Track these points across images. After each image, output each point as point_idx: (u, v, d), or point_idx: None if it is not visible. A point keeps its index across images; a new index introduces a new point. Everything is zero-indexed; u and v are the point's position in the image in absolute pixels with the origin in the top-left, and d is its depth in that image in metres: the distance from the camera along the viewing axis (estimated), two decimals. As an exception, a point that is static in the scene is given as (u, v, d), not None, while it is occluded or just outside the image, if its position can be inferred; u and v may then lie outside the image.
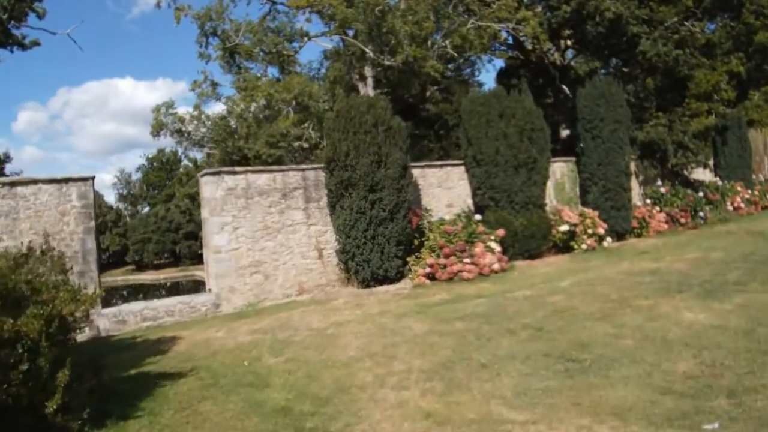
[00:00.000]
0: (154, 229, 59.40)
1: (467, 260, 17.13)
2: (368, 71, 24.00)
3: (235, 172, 16.65)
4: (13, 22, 22.07)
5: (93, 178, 15.46)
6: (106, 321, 15.22)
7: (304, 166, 17.87)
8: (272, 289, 16.91)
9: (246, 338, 12.27)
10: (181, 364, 10.75)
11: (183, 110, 29.89)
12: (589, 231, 21.02)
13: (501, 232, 18.63)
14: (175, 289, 59.78)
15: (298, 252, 17.35)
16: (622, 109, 23.33)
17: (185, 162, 56.12)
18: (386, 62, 21.70)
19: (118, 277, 62.51)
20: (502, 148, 19.48)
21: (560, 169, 23.75)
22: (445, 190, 20.51)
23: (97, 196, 65.76)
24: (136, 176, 64.83)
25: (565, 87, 30.52)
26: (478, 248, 17.54)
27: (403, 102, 28.41)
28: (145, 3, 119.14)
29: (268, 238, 16.89)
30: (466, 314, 12.37)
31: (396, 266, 16.92)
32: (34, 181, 14.89)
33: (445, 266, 17.01)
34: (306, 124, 25.04)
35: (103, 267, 67.30)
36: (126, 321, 15.39)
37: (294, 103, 25.35)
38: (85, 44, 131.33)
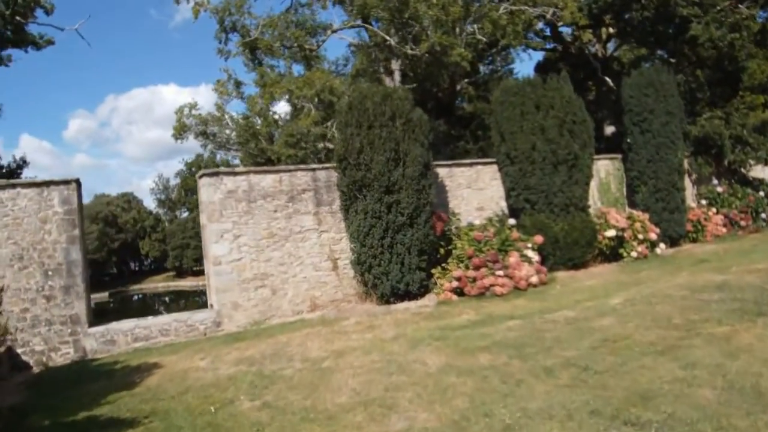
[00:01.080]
0: (192, 235, 57.96)
1: (500, 272, 14.55)
2: (394, 64, 21.60)
3: (235, 173, 14.42)
4: (18, 18, 20.37)
5: (77, 181, 13.43)
6: (93, 341, 13.17)
7: (313, 166, 15.54)
8: (281, 306, 14.63)
9: (228, 370, 9.98)
10: (140, 406, 8.60)
11: (206, 111, 27.86)
12: (639, 236, 18.17)
13: (539, 238, 15.99)
14: (214, 293, 58.06)
15: (310, 263, 15.02)
16: (674, 99, 20.34)
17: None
18: (410, 51, 19.19)
19: (159, 284, 61.59)
20: (539, 144, 16.81)
21: (605, 168, 20.90)
22: (475, 192, 17.93)
23: (137, 202, 65.14)
24: (175, 181, 63.60)
25: (608, 79, 27.61)
26: (513, 258, 14.93)
27: (434, 97, 25.86)
28: (186, 10, 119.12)
29: (274, 247, 14.62)
30: (494, 342, 9.83)
31: (418, 279, 14.44)
32: (12, 185, 12.95)
33: (474, 279, 14.46)
34: (330, 123, 22.73)
35: (145, 274, 66.64)
36: (115, 341, 13.33)
37: (316, 100, 23.11)
38: (130, 51, 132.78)
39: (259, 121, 26.40)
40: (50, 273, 12.94)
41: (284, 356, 10.51)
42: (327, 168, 15.41)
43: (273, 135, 25.79)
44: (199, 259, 62.15)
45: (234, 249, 14.20)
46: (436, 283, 14.98)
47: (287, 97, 23.01)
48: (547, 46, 31.55)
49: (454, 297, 14.57)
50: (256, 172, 14.62)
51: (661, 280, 14.04)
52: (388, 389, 7.89)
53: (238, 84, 27.39)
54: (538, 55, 32.26)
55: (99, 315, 47.31)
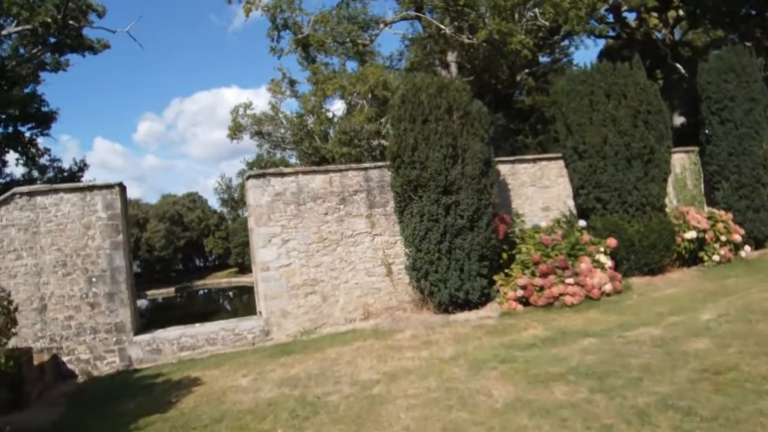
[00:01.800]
0: (254, 232, 57.83)
1: (570, 280, 13.02)
2: (450, 56, 20.21)
3: (282, 174, 13.37)
4: (72, 22, 19.98)
5: (120, 185, 12.62)
6: (139, 350, 12.37)
7: (365, 165, 14.32)
8: (332, 313, 13.53)
9: (270, 393, 8.88)
10: (169, 438, 7.54)
11: (260, 111, 27.11)
12: (722, 238, 16.24)
13: (612, 241, 14.36)
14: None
15: (362, 268, 13.85)
16: (757, 84, 18.18)
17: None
18: (467, 40, 17.74)
19: (222, 280, 61.94)
20: (610, 136, 15.13)
21: (680, 162, 18.95)
22: (540, 190, 16.38)
23: (201, 201, 65.62)
24: (237, 181, 63.71)
25: (678, 65, 25.40)
26: (584, 264, 13.37)
27: (492, 90, 24.27)
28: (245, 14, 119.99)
29: (324, 252, 13.51)
30: (570, 369, 8.40)
31: (479, 287, 13.07)
32: (55, 190, 12.24)
33: (542, 288, 12.98)
34: (384, 119, 21.52)
35: (209, 270, 67.15)
36: (161, 350, 12.51)
37: (370, 96, 21.95)
38: (193, 56, 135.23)
39: (313, 120, 25.43)
40: (94, 280, 12.20)
41: (331, 377, 9.35)
42: (380, 167, 14.19)
43: (328, 133, 24.77)
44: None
45: (282, 254, 13.17)
46: (498, 291, 13.57)
47: (340, 93, 21.89)
48: (610, 33, 29.48)
49: (519, 307, 13.13)
50: (304, 173, 13.53)
51: (753, 290, 12.26)
52: (446, 430, 6.60)
53: (292, 82, 26.52)
54: (592, 48, 30.00)
55: (166, 309, 47.52)
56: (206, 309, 50.02)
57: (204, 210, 64.07)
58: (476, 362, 9.30)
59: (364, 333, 12.35)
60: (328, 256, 13.53)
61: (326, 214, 13.56)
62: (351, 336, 12.22)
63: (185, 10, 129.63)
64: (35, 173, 21.85)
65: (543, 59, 28.37)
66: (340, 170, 13.85)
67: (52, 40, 22.27)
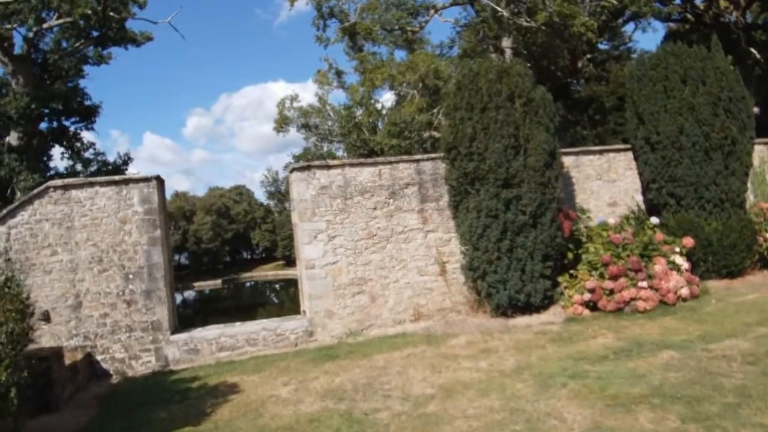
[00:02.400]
0: (300, 225, 57.48)
1: (644, 283, 11.77)
2: (505, 41, 19.01)
3: (329, 167, 12.50)
4: (112, 14, 19.54)
5: (157, 178, 11.96)
6: (176, 349, 11.72)
7: (417, 156, 13.33)
8: (380, 314, 12.62)
9: (312, 407, 8.01)
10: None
11: (307, 103, 26.37)
12: (809, 237, 14.66)
13: (688, 241, 13.01)
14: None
15: (414, 267, 12.89)
16: None
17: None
18: (525, 23, 16.52)
19: (269, 272, 61.93)
20: (687, 126, 13.75)
21: (758, 154, 17.27)
22: (606, 184, 15.09)
23: (248, 194, 65.67)
24: (284, 174, 63.60)
25: (754, 51, 23.55)
26: (659, 265, 12.09)
27: (551, 77, 22.88)
28: (290, 8, 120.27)
29: (373, 249, 12.60)
30: (652, 389, 7.27)
31: (542, 289, 11.96)
32: (90, 183, 11.67)
33: (611, 291, 11.77)
34: (435, 110, 20.49)
35: (255, 262, 67.25)
36: (199, 350, 11.83)
37: (420, 85, 20.94)
38: (239, 51, 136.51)
39: (361, 111, 24.54)
40: (131, 276, 11.57)
41: (380, 390, 8.42)
42: (433, 159, 13.18)
43: (376, 125, 23.85)
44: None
45: (328, 251, 12.31)
46: (562, 294, 12.43)
47: (389, 83, 20.93)
48: (676, 17, 27.69)
49: (586, 312, 11.98)
50: (352, 165, 12.63)
51: None
52: (517, 465, 5.60)
53: (339, 73, 25.72)
54: (651, 33, 28.20)
55: (212, 301, 47.56)
56: (252, 301, 49.95)
57: (251, 203, 64.15)
58: (543, 377, 8.24)
59: (415, 338, 11.39)
60: (377, 254, 12.61)
61: (375, 208, 12.64)
62: (401, 341, 11.28)
63: (230, 5, 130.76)
64: (79, 167, 21.54)
65: (602, 46, 26.77)
66: (390, 162, 12.90)
67: (95, 33, 21.96)
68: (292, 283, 59.02)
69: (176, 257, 61.65)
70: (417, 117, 19.61)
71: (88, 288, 11.44)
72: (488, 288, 12.08)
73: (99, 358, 11.50)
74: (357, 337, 12.18)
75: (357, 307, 12.49)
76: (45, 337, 11.46)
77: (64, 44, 22.25)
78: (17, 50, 20.69)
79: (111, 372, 11.51)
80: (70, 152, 22.33)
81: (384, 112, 22.53)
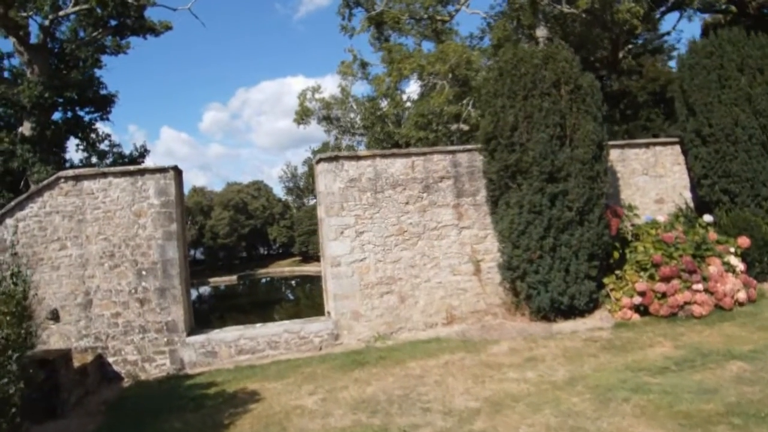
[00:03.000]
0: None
1: (699, 286, 10.76)
2: (540, 30, 17.99)
3: (358, 157, 11.62)
4: (130, 0, 18.80)
5: (175, 168, 11.17)
6: (192, 352, 10.91)
7: (453, 148, 12.42)
8: (410, 316, 11.74)
9: (342, 421, 7.16)
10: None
11: (329, 95, 25.48)
12: None
13: (744, 241, 11.97)
14: (338, 280, 56.52)
15: (447, 265, 11.98)
16: None
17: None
18: (566, 9, 15.50)
19: (285, 268, 61.12)
20: (743, 117, 12.70)
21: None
22: (652, 180, 14.07)
23: (266, 189, 64.96)
24: (302, 169, 62.80)
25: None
26: (714, 267, 11.07)
27: (588, 68, 21.75)
28: (310, 2, 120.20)
29: (404, 246, 11.71)
30: (729, 406, 6.36)
31: (587, 292, 11.02)
32: (103, 174, 10.89)
33: (663, 295, 10.77)
34: (465, 101, 19.54)
35: (272, 258, 66.47)
36: (216, 353, 11.02)
37: (450, 76, 20.00)
38: (257, 45, 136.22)
39: (386, 103, 23.63)
40: (144, 273, 10.78)
41: (418, 402, 7.54)
42: (470, 150, 12.26)
43: (401, 118, 22.94)
44: (324, 246, 60.56)
45: (356, 248, 11.44)
46: (608, 297, 11.46)
47: (417, 74, 19.99)
48: (717, 8, 26.45)
49: (635, 316, 11.00)
50: (383, 156, 11.74)
51: None
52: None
53: (363, 64, 24.79)
54: (686, 26, 26.96)
55: (227, 297, 46.88)
56: (268, 298, 49.27)
57: (269, 198, 63.44)
58: (600, 390, 7.33)
59: (451, 343, 10.48)
60: (408, 251, 11.72)
61: (407, 203, 11.74)
62: (435, 346, 10.38)
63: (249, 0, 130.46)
64: (94, 159, 20.83)
65: (635, 40, 25.62)
66: (424, 153, 11.99)
67: (113, 22, 21.26)
68: (308, 280, 58.48)
69: (192, 252, 61.14)
70: (446, 108, 18.66)
71: (98, 285, 10.67)
72: (528, 289, 11.15)
73: (110, 360, 10.73)
74: (386, 341, 11.31)
75: (386, 308, 11.61)
76: (54, 337, 10.72)
77: (82, 34, 21.57)
78: (33, 39, 20.04)
79: (123, 375, 10.74)
80: (85, 144, 21.66)
81: (410, 103, 21.56)
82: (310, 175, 61.04)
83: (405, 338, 11.39)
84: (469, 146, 12.39)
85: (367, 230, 11.47)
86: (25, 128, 19.08)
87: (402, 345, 10.85)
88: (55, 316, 10.66)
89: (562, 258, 10.86)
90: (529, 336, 10.40)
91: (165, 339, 10.84)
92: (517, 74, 11.17)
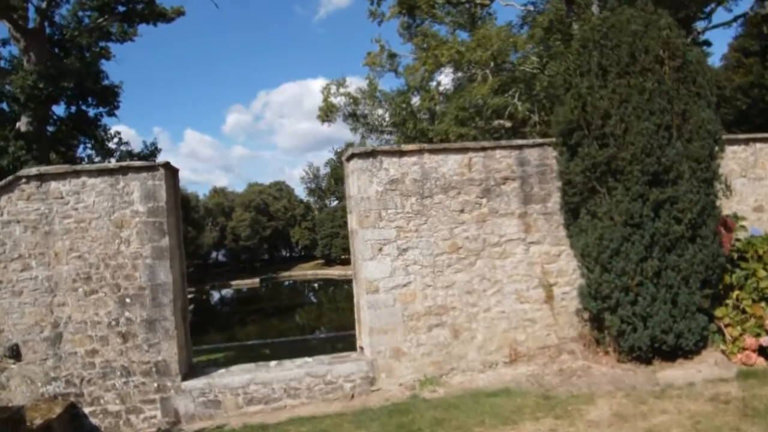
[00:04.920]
0: (341, 224, 54.35)
1: None
2: (595, 8, 15.14)
3: (401, 152, 8.86)
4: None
5: (166, 165, 8.52)
6: (189, 401, 8.28)
7: (520, 142, 9.60)
8: (465, 354, 9.01)
9: None
10: None
11: (355, 88, 22.76)
12: None
13: None
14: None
15: (511, 290, 9.23)
16: None
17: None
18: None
19: (308, 271, 58.68)
20: None
21: None
22: (751, 183, 11.11)
23: (288, 191, 62.50)
24: (325, 171, 60.24)
25: None
26: None
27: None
28: (329, 3, 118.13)
29: (458, 267, 8.98)
30: None
31: (698, 328, 8.22)
32: (75, 173, 8.26)
33: (809, 336, 7.95)
34: (511, 92, 16.77)
35: (294, 260, 63.90)
36: (220, 402, 8.38)
37: (492, 64, 17.24)
38: (277, 47, 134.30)
39: (417, 97, 20.87)
40: (128, 300, 8.16)
41: None
42: (540, 145, 9.47)
43: (435, 113, 20.17)
44: (348, 249, 57.47)
45: (398, 269, 8.72)
46: (721, 333, 8.63)
47: (455, 63, 17.22)
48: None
49: (760, 360, 8.20)
50: (432, 152, 8.98)
51: None
52: None
53: (392, 55, 22.05)
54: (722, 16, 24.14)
55: (249, 301, 44.54)
56: (290, 302, 46.88)
57: (290, 200, 61.00)
58: None
59: (527, 398, 7.70)
60: (464, 273, 8.98)
61: (462, 211, 9.00)
62: (506, 401, 7.62)
63: (269, 2, 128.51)
64: (97, 159, 18.35)
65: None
66: (484, 148, 9.20)
67: (121, 8, 18.76)
68: (330, 283, 56.13)
69: (214, 254, 58.94)
70: (491, 100, 15.88)
71: (70, 315, 8.08)
72: (621, 324, 8.34)
73: (87, 410, 8.15)
74: (435, 386, 8.59)
75: (435, 344, 8.88)
76: (14, 380, 8.16)
77: (86, 21, 19.09)
78: (31, 25, 17.58)
79: (103, 430, 8.13)
80: (92, 142, 19.22)
81: (448, 95, 18.78)
82: (333, 176, 58.44)
83: (459, 383, 8.67)
84: (539, 140, 9.59)
85: (412, 246, 8.74)
86: (22, 123, 16.64)
87: (459, 396, 8.13)
88: (15, 354, 8.09)
89: (669, 285, 8.06)
90: (632, 390, 7.62)
91: (155, 384, 8.21)
92: (609, 45, 8.38)
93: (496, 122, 17.71)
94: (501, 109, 16.92)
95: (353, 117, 23.38)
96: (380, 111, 22.55)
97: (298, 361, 9.18)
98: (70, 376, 8.10)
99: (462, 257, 8.96)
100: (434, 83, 19.12)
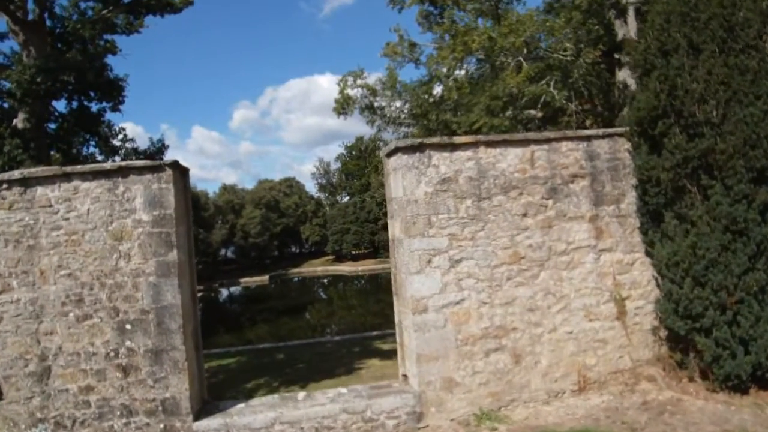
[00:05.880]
0: (352, 220, 53.01)
1: None
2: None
3: (453, 146, 7.34)
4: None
5: (174, 165, 7.05)
6: (205, 444, 6.80)
7: (588, 132, 8.08)
8: (527, 382, 7.54)
9: None
10: None
11: (375, 80, 21.21)
12: None
13: None
14: (373, 281, 53.04)
15: (579, 306, 7.75)
16: None
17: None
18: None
19: (318, 268, 57.24)
20: None
21: None
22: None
23: (298, 187, 61.04)
24: (335, 166, 58.73)
25: None
26: None
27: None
28: (334, 0, 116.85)
29: (520, 280, 7.50)
30: None
31: (812, 354, 6.73)
32: (66, 176, 6.82)
33: None
34: (546, 80, 15.23)
35: (304, 257, 62.43)
36: (241, 445, 6.88)
37: (525, 51, 15.72)
38: (284, 43, 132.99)
39: (440, 87, 19.31)
40: (128, 327, 6.72)
41: None
42: (611, 136, 7.96)
43: (459, 105, 18.62)
44: (358, 244, 57.00)
45: (451, 284, 7.24)
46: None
47: (485, 49, 15.65)
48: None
49: None
50: (490, 144, 7.46)
51: None
52: None
53: (412, 45, 20.46)
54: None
55: (258, 299, 43.07)
56: (300, 300, 45.52)
57: (301, 196, 59.49)
58: None
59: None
60: (526, 287, 7.50)
61: (525, 214, 7.51)
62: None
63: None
64: (101, 158, 16.85)
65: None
66: (548, 140, 7.68)
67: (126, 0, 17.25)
68: (340, 279, 54.68)
69: (222, 251, 57.55)
70: (528, 89, 14.34)
71: (60, 346, 6.65)
72: (715, 348, 6.87)
73: (82, 456, 6.70)
74: (495, 422, 7.14)
75: (492, 372, 7.42)
76: (-6, 423, 6.74)
77: (90, 13, 17.58)
78: (30, 17, 16.12)
79: (101, 480, 6.72)
80: (96, 139, 17.73)
81: (472, 85, 17.22)
82: (344, 171, 57.10)
83: (523, 419, 7.21)
84: (609, 130, 8.07)
85: (466, 257, 7.26)
86: (19, 120, 15.19)
87: (523, 438, 6.66)
88: (-4, 391, 6.68)
89: (777, 303, 6.58)
90: (744, 434, 6.13)
91: (161, 425, 6.78)
92: (700, 18, 6.87)
93: (528, 112, 16.20)
94: (536, 98, 15.38)
95: (370, 109, 21.79)
96: (398, 103, 20.96)
97: (331, 392, 7.73)
98: (61, 417, 6.68)
99: (524, 268, 7.48)
100: (462, 72, 17.54)
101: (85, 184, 6.68)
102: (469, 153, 7.31)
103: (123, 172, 6.72)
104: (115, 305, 6.67)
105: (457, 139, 7.31)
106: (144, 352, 6.71)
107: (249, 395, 13.05)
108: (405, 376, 7.82)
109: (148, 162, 6.96)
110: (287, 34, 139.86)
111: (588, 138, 7.88)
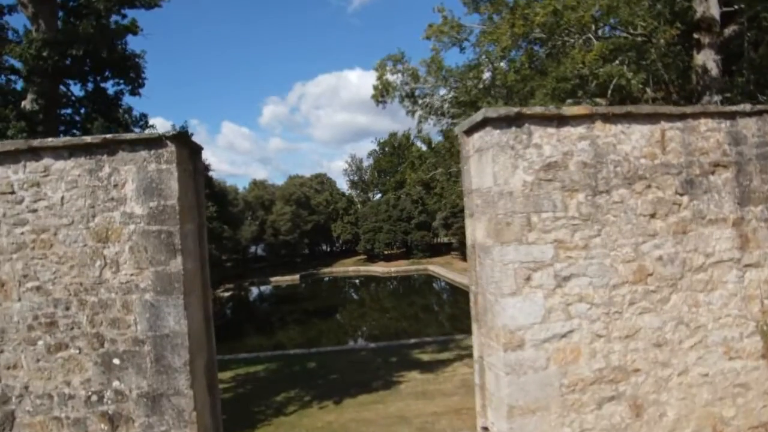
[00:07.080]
0: (384, 218, 51.19)
1: None
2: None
3: (561, 119, 5.36)
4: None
5: (178, 137, 5.22)
6: None
7: (732, 109, 6.04)
8: (646, 440, 5.55)
9: None
10: None
11: (419, 60, 19.35)
12: None
13: None
14: (406, 282, 51.17)
15: (717, 341, 5.74)
16: None
17: (418, 143, 43.00)
18: None
19: (350, 267, 55.69)
20: None
21: None
22: None
23: (330, 183, 59.44)
24: (367, 162, 56.98)
25: None
26: None
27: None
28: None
29: (645, 305, 5.51)
30: None
31: None
32: (33, 151, 5.01)
33: None
34: (619, 60, 13.16)
35: (335, 256, 60.78)
36: None
37: (593, 27, 13.66)
38: (313, 39, 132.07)
39: (490, 71, 17.29)
40: (116, 362, 4.93)
41: None
42: (761, 113, 5.92)
43: (512, 90, 16.63)
44: (390, 244, 55.05)
45: (556, 310, 5.28)
46: None
47: (548, 24, 13.63)
48: None
49: None
50: (607, 119, 5.47)
51: None
52: None
53: (459, 27, 18.46)
54: None
55: (289, 300, 41.40)
56: (332, 301, 44.06)
57: (332, 193, 57.91)
58: None
59: None
60: (653, 315, 5.51)
61: (653, 215, 5.51)
62: None
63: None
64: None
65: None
66: (683, 116, 5.65)
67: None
68: (372, 280, 53.06)
69: (253, 249, 56.29)
70: (602, 71, 12.28)
71: (26, 384, 4.90)
72: None
73: None
74: (608, 497, 5.16)
75: (606, 429, 5.45)
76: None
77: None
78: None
79: None
80: (113, 125, 16.19)
81: (538, 67, 15.23)
82: (376, 167, 55.19)
83: (648, 494, 5.23)
84: (760, 106, 6.01)
85: (577, 273, 5.30)
86: (27, 101, 13.69)
87: None
88: (-55, 443, 4.96)
89: None
90: None
91: (163, 496, 4.97)
92: None
93: (595, 101, 14.13)
94: (605, 84, 13.31)
95: (410, 97, 19.85)
96: (442, 91, 18.97)
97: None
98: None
99: (651, 290, 5.50)
100: (518, 54, 15.52)
101: (59, 164, 4.90)
102: (581, 130, 5.33)
103: (109, 147, 4.92)
104: (99, 331, 4.88)
105: (567, 110, 5.33)
106: (137, 397, 4.91)
107: (279, 410, 11.43)
108: (485, 429, 5.88)
109: (142, 134, 5.16)
110: (316, 28, 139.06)
111: (732, 115, 5.84)
